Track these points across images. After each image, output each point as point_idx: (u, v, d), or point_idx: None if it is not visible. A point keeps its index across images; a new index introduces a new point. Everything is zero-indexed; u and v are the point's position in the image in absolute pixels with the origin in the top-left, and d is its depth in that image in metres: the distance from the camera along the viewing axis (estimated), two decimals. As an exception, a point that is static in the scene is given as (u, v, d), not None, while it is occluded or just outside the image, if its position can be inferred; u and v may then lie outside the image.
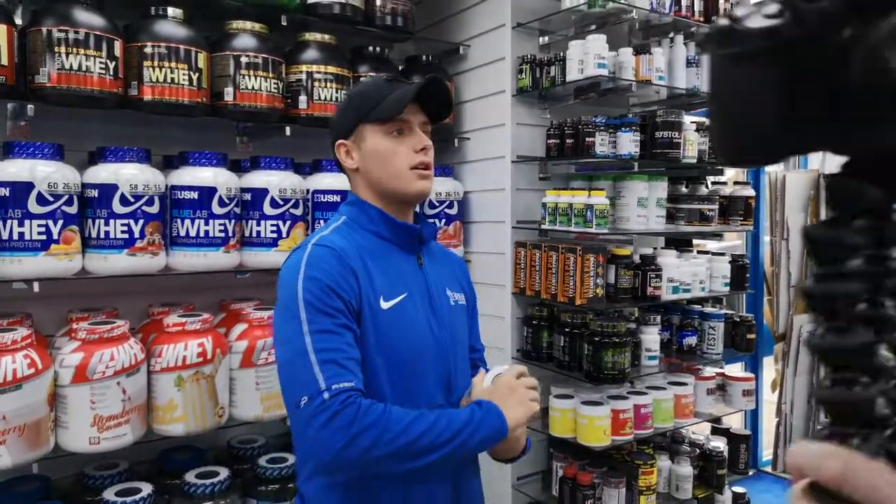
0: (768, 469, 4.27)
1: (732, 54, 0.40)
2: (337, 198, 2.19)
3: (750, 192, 2.59)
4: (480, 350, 1.50)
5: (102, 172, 1.81)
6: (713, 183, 2.66)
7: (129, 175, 1.82)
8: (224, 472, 1.98)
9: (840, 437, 0.39)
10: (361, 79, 2.26)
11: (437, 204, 2.50)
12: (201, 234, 1.93)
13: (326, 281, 1.17)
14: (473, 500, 1.38)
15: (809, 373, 4.19)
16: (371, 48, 2.38)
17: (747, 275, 2.58)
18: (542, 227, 2.33)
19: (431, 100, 1.32)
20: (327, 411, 1.08)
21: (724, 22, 0.41)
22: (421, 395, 1.26)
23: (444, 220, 2.50)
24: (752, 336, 2.55)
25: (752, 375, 2.63)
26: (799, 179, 4.27)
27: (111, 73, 1.80)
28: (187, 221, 1.92)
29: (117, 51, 1.82)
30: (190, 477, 1.95)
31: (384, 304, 1.23)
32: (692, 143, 2.35)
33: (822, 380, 0.41)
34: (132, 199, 1.82)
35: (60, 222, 1.73)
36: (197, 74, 1.93)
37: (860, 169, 0.41)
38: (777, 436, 4.23)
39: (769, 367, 4.37)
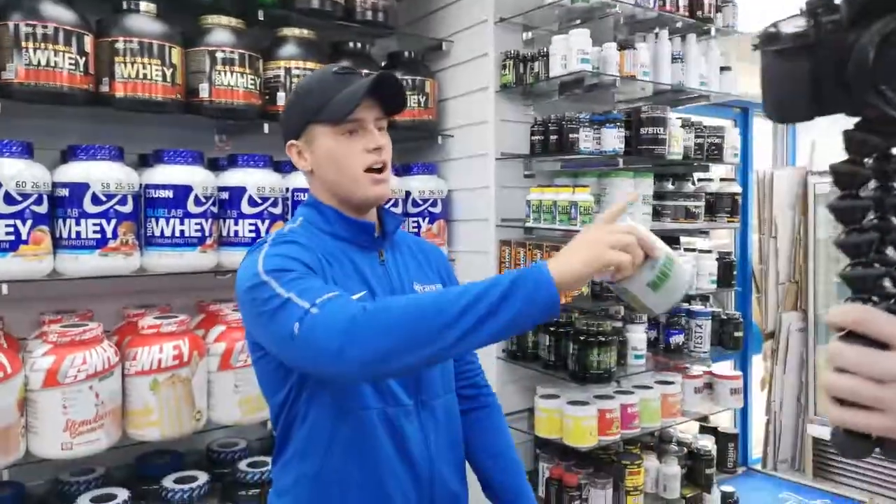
0: (758, 467, 4.25)
1: (774, 50, 0.60)
2: (317, 196, 2.15)
3: (736, 188, 2.57)
4: None
5: (73, 171, 1.77)
6: (699, 180, 2.63)
7: (101, 173, 1.77)
8: (203, 477, 1.94)
9: (860, 300, 0.60)
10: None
11: (420, 202, 2.46)
12: (177, 234, 1.88)
13: (290, 255, 1.14)
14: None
15: (798, 371, 4.18)
16: (352, 44, 2.34)
17: (734, 272, 2.56)
18: (527, 225, 2.30)
19: (385, 93, 1.25)
20: (320, 320, 1.00)
21: (770, 28, 0.60)
22: (383, 395, 1.22)
23: (427, 219, 2.47)
24: (740, 334, 2.53)
25: (740, 374, 2.61)
26: (787, 177, 4.26)
27: (81, 68, 1.76)
28: (162, 221, 1.88)
29: (87, 46, 1.78)
30: (167, 482, 1.90)
31: None
32: (677, 139, 2.32)
33: (846, 266, 0.61)
34: (104, 199, 1.77)
35: (30, 222, 1.68)
36: (171, 70, 1.88)
37: (867, 125, 0.58)
38: (766, 434, 4.22)
39: (758, 365, 4.36)
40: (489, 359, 2.39)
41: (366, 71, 2.40)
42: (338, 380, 1.12)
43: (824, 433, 4.03)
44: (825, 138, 4.29)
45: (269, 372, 1.24)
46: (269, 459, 2.09)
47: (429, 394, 1.29)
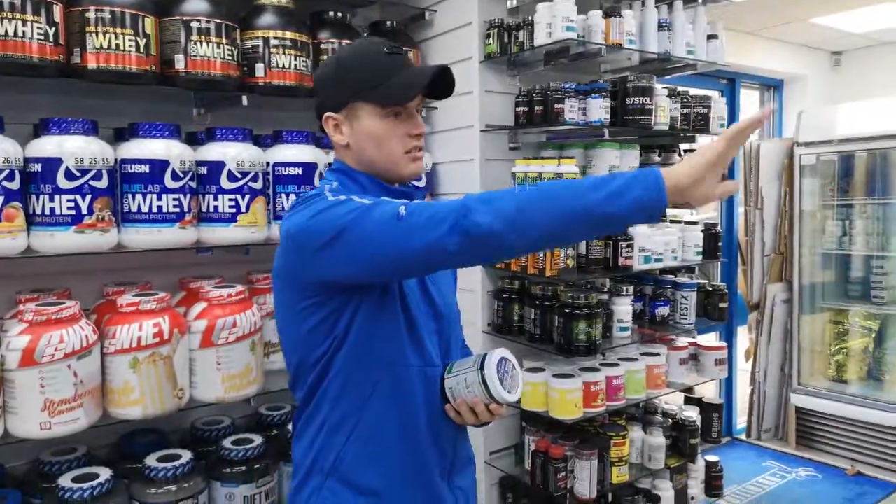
0: (742, 437, 4.32)
1: None
2: (299, 170, 2.11)
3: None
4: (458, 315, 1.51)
5: (46, 145, 1.71)
6: (685, 151, 2.62)
7: (75, 148, 1.72)
8: (186, 455, 1.92)
9: None
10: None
11: (404, 176, 2.42)
12: (154, 210, 1.84)
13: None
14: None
15: (783, 341, 4.22)
16: (332, 13, 2.28)
17: (720, 243, 2.56)
18: (512, 197, 2.27)
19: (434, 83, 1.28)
20: (429, 205, 1.06)
21: None
22: (422, 355, 1.28)
23: (411, 193, 2.44)
24: (725, 305, 2.53)
25: (725, 345, 2.62)
26: (773, 148, 4.25)
27: (51, 39, 1.70)
28: (139, 196, 1.83)
29: (57, 16, 1.71)
30: (150, 461, 1.88)
31: None
32: (664, 109, 2.29)
33: None
34: (78, 173, 1.72)
35: (1, 198, 1.63)
36: (144, 41, 1.82)
37: None
38: (751, 404, 4.27)
39: (743, 336, 4.40)
40: (475, 332, 2.38)
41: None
42: (455, 251, 1.03)
43: (807, 403, 4.09)
44: (812, 109, 4.28)
45: (311, 326, 1.22)
46: (254, 436, 2.08)
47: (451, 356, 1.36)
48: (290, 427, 2.18)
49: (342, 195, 1.16)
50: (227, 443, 2.05)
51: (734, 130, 1.01)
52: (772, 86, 4.71)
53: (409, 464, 1.27)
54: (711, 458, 2.60)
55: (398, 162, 1.27)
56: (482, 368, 1.25)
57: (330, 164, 1.40)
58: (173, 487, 1.85)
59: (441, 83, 1.29)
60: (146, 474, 1.86)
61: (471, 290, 2.41)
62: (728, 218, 4.31)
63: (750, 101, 4.71)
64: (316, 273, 1.17)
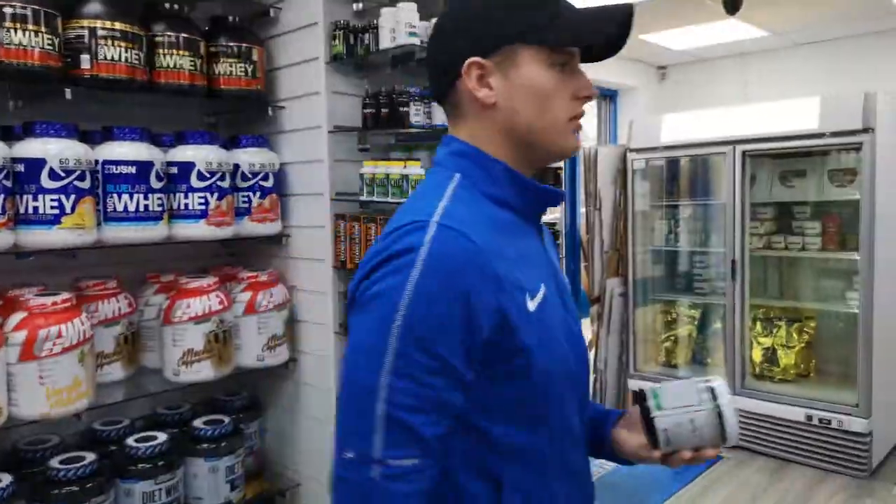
0: (587, 422, 4.62)
1: None
2: (132, 169, 2.00)
3: (558, 163, 2.73)
4: None
5: None
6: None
7: None
8: (6, 479, 1.76)
9: None
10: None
11: (250, 176, 2.37)
12: (-39, 211, 1.68)
13: (452, 302, 0.79)
14: None
15: (620, 332, 4.57)
16: (167, 5, 2.18)
17: (558, 241, 2.73)
18: (361, 198, 2.30)
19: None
20: (365, 496, 0.79)
21: None
22: (562, 420, 0.95)
23: (258, 193, 2.38)
24: (564, 299, 2.71)
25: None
26: (609, 153, 4.59)
27: None
28: (-59, 196, 1.66)
29: None
30: (-39, 488, 1.71)
31: (530, 305, 0.87)
32: (504, 114, 2.41)
33: None
34: None
35: None
36: (-54, 24, 1.65)
37: None
38: (594, 391, 4.59)
39: (587, 328, 4.72)
40: (325, 333, 2.37)
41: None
42: None
43: (642, 387, 4.45)
44: (641, 118, 4.67)
45: None
46: (86, 454, 1.94)
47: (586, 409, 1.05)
48: (127, 442, 2.05)
49: (432, 329, 0.79)
50: (54, 462, 1.90)
51: None
52: (608, 95, 5.09)
53: None
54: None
55: (561, 130, 0.92)
56: (719, 408, 0.95)
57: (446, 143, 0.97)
58: (-11, 516, 1.70)
59: (620, 36, 0.95)
60: (-45, 504, 1.68)
61: (321, 291, 2.40)
62: (571, 218, 4.60)
63: (589, 110, 5.06)
64: None
